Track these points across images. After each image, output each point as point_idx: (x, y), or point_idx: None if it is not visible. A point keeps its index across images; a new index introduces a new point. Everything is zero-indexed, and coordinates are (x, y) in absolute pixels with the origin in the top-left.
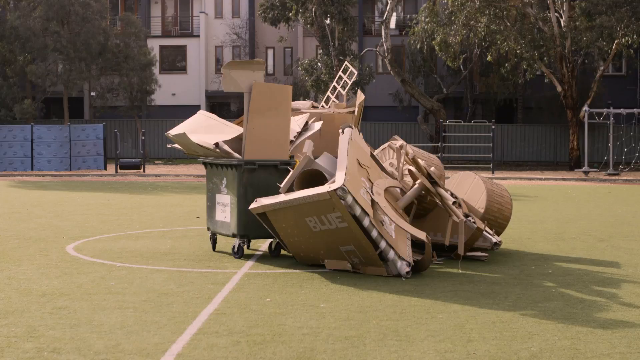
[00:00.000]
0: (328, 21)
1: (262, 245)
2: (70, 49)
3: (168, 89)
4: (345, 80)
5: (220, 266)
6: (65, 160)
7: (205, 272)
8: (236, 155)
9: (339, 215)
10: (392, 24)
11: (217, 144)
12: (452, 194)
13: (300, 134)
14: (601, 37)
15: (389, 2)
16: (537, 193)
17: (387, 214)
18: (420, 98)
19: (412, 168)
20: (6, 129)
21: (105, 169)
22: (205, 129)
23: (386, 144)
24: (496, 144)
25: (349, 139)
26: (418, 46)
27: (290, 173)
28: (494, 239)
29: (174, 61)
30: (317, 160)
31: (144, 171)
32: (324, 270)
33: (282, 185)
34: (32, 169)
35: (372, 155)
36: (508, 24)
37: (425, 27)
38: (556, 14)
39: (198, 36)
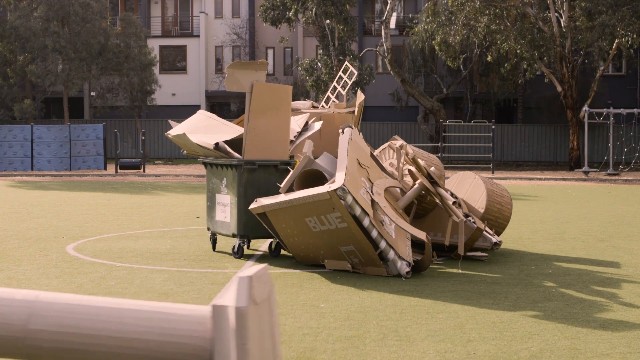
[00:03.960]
0: (328, 21)
1: (262, 245)
2: (70, 49)
3: (168, 89)
4: (345, 80)
5: (220, 266)
6: (65, 160)
7: (205, 272)
8: (236, 155)
9: (339, 215)
10: (392, 24)
11: (217, 144)
12: (452, 194)
13: (300, 134)
14: (602, 37)
15: (389, 2)
16: (537, 193)
17: (387, 214)
18: (420, 98)
19: (412, 168)
20: (6, 129)
21: (105, 169)
22: (205, 129)
23: (386, 144)
24: (496, 144)
25: (349, 139)
26: (419, 46)
27: (290, 173)
28: (494, 239)
29: (174, 61)
30: (317, 160)
31: (144, 171)
32: (324, 270)
33: (282, 185)
34: (32, 169)
35: (372, 155)
36: (508, 24)
37: (427, 27)
38: (556, 14)
39: (198, 36)
